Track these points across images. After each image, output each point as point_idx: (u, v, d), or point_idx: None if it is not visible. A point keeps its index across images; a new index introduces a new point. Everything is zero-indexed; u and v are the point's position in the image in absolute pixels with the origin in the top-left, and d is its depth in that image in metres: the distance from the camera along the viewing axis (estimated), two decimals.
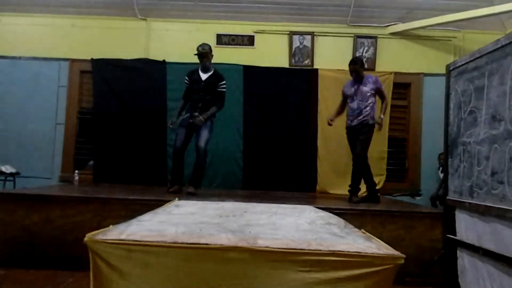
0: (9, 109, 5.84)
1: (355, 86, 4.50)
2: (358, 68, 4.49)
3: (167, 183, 5.73)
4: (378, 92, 4.54)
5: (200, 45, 4.53)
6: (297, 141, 5.83)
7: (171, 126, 4.63)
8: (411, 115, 6.03)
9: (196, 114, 4.46)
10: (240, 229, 1.88)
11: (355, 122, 4.49)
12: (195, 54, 4.52)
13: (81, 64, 5.98)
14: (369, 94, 4.45)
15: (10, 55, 5.99)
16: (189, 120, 4.49)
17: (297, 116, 5.86)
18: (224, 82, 4.56)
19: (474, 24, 5.66)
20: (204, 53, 4.50)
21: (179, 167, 4.56)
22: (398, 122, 6.02)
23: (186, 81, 4.65)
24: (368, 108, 4.45)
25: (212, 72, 4.57)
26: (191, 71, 4.66)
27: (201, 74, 4.57)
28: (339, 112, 4.77)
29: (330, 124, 4.69)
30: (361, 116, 4.44)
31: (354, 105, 4.48)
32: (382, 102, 4.60)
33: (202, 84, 4.51)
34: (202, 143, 4.43)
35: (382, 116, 4.53)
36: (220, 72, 4.63)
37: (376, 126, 4.49)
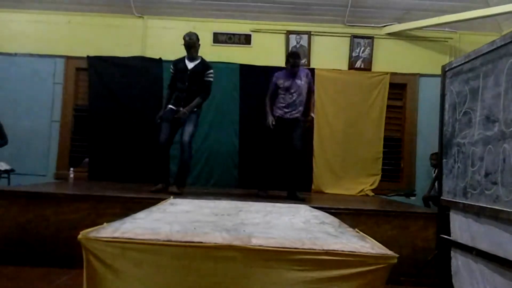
0: (4, 106, 5.81)
1: (291, 79, 4.46)
2: (300, 62, 4.53)
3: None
4: (309, 86, 4.56)
5: (186, 34, 4.33)
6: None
7: (158, 121, 4.44)
8: (407, 115, 6.04)
9: (180, 108, 4.28)
10: (235, 228, 1.88)
11: (288, 115, 4.44)
12: (181, 44, 4.36)
13: (77, 61, 5.95)
14: (304, 88, 4.48)
15: (5, 52, 5.96)
16: (174, 115, 4.30)
17: None
18: (211, 71, 4.35)
19: (470, 25, 5.69)
20: (191, 42, 4.31)
21: (163, 164, 4.41)
22: (393, 122, 6.04)
23: (171, 70, 4.47)
24: (301, 103, 4.47)
25: (199, 60, 4.38)
26: (177, 60, 4.48)
27: (187, 62, 4.37)
28: (271, 107, 4.58)
29: (272, 127, 4.45)
30: (297, 111, 4.44)
31: (290, 98, 4.44)
32: (310, 99, 4.59)
33: (188, 73, 4.32)
34: (186, 137, 4.22)
35: (312, 115, 4.62)
36: (207, 61, 4.45)
37: (306, 124, 4.57)
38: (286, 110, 4.45)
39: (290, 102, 4.43)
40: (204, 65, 4.36)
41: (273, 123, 4.45)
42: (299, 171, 4.51)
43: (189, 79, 4.31)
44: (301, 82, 4.46)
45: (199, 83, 4.31)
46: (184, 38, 4.34)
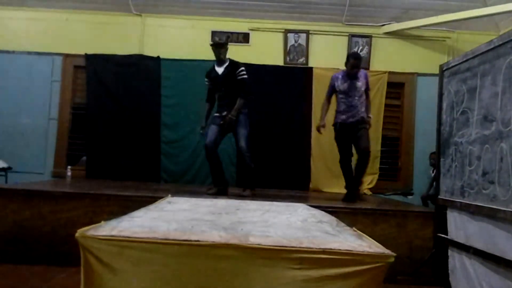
0: (1, 104, 5.80)
1: (349, 81, 4.30)
2: (361, 64, 4.33)
3: (160, 180, 5.76)
4: (367, 87, 4.39)
5: (216, 36, 4.36)
6: (291, 139, 5.84)
7: (201, 132, 4.42)
8: (404, 114, 6.06)
9: (225, 113, 4.22)
10: (232, 227, 1.88)
11: (351, 119, 4.28)
12: (211, 45, 4.33)
13: (75, 59, 5.95)
14: (362, 90, 4.30)
15: (3, 49, 5.94)
16: (220, 122, 4.24)
17: (291, 114, 5.87)
18: (242, 68, 4.26)
19: (468, 24, 5.70)
20: (221, 43, 4.30)
21: (215, 166, 4.31)
22: (391, 121, 6.06)
23: (206, 82, 4.43)
24: (363, 104, 4.30)
25: (227, 63, 4.32)
26: (209, 71, 4.42)
27: (217, 69, 4.33)
28: (327, 110, 4.50)
29: (321, 133, 4.45)
30: (358, 113, 4.27)
31: (350, 101, 4.28)
32: (367, 99, 4.44)
33: (221, 79, 4.27)
34: (242, 143, 4.22)
35: (371, 116, 4.43)
36: (236, 60, 4.38)
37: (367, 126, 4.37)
38: (348, 114, 4.28)
39: (350, 105, 4.26)
40: (233, 65, 4.30)
41: (320, 129, 4.38)
42: (362, 171, 4.34)
43: (224, 84, 4.27)
44: (360, 84, 4.27)
45: (234, 85, 4.24)
46: (213, 39, 4.36)
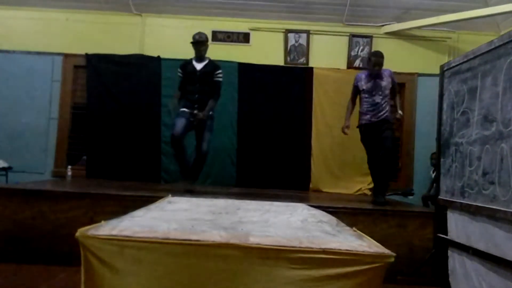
0: (1, 103, 5.80)
1: (373, 81, 4.22)
2: (383, 62, 4.22)
3: (160, 180, 5.76)
4: (393, 85, 4.30)
5: (196, 33, 4.34)
6: (291, 139, 5.84)
7: (171, 108, 4.43)
8: (405, 114, 6.03)
9: (196, 112, 4.23)
10: (232, 226, 1.88)
11: (375, 119, 4.20)
12: (191, 42, 4.34)
13: (75, 59, 5.94)
14: (388, 88, 4.22)
15: (3, 49, 5.93)
16: (190, 119, 4.26)
17: (292, 114, 5.87)
18: (220, 71, 4.33)
19: (469, 25, 5.69)
20: (201, 41, 4.32)
21: (180, 156, 4.35)
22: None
23: (179, 73, 4.43)
24: (387, 103, 4.23)
25: (207, 61, 4.37)
26: (184, 63, 4.44)
27: (195, 64, 4.35)
28: (352, 111, 4.42)
29: (347, 133, 4.37)
30: (383, 112, 4.20)
31: (374, 100, 4.20)
32: (395, 96, 4.37)
33: (198, 75, 4.30)
34: (205, 146, 4.28)
35: (401, 112, 4.33)
36: (215, 61, 4.43)
37: (396, 123, 4.35)
38: (372, 113, 4.20)
39: (374, 104, 4.19)
40: (213, 65, 4.34)
41: (345, 130, 4.32)
42: (388, 172, 4.29)
43: (199, 81, 4.29)
44: (384, 83, 4.20)
45: (209, 84, 4.29)
46: (193, 37, 4.33)
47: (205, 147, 4.29)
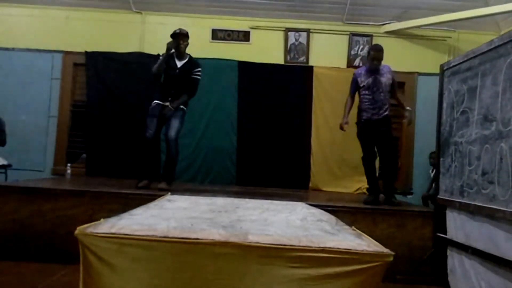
0: (1, 101, 5.79)
1: (372, 76, 4.10)
2: (382, 56, 4.10)
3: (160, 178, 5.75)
4: (393, 82, 4.19)
5: (178, 28, 4.28)
6: (291, 138, 5.83)
7: (154, 68, 4.28)
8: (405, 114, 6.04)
9: (167, 104, 4.21)
10: (232, 225, 1.88)
11: (376, 116, 4.09)
12: (173, 34, 4.26)
13: (75, 57, 5.93)
14: (387, 85, 4.11)
15: (2, 46, 5.93)
16: (161, 112, 4.23)
17: (291, 113, 5.86)
18: (199, 69, 4.31)
19: (469, 24, 5.69)
20: (183, 33, 4.25)
21: (152, 159, 4.36)
22: (391, 121, 6.02)
23: (163, 54, 4.28)
24: (387, 101, 4.13)
25: (187, 59, 4.33)
26: (167, 55, 4.28)
27: (176, 61, 4.31)
28: (351, 108, 4.27)
29: (345, 130, 4.22)
30: (384, 110, 4.10)
31: (374, 97, 4.09)
32: (396, 94, 4.26)
33: (177, 72, 4.26)
34: (172, 133, 4.18)
35: (409, 108, 4.24)
36: (195, 59, 4.40)
37: (405, 121, 4.29)
38: (373, 111, 4.08)
39: (374, 101, 4.07)
40: (192, 63, 4.32)
41: (344, 127, 4.18)
42: (393, 172, 4.20)
43: (178, 78, 4.27)
44: (384, 79, 4.08)
45: (187, 81, 4.28)
46: (174, 31, 4.26)
47: (172, 133, 4.19)
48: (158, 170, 4.41)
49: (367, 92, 4.13)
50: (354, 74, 4.29)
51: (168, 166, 4.34)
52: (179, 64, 4.31)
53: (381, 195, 4.19)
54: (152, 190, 3.92)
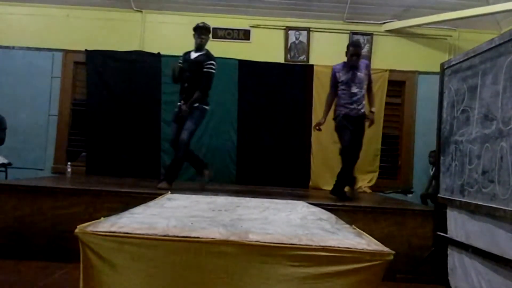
0: (1, 99, 5.78)
1: (350, 71, 4.11)
2: (361, 52, 4.14)
3: (160, 176, 5.75)
4: (369, 79, 4.19)
5: (201, 22, 4.28)
6: (291, 137, 5.83)
7: (172, 70, 4.32)
8: (405, 113, 6.05)
9: (181, 103, 4.20)
10: (232, 224, 1.88)
11: (354, 112, 4.11)
12: (193, 28, 4.25)
13: (75, 55, 5.93)
14: (365, 80, 4.12)
15: (3, 45, 5.93)
16: (178, 114, 4.24)
17: (292, 112, 5.86)
18: (211, 62, 4.20)
19: (469, 23, 5.68)
20: (206, 28, 4.23)
21: (188, 159, 4.34)
22: (391, 119, 6.04)
23: (179, 61, 4.37)
24: (364, 97, 4.13)
25: (203, 52, 4.27)
26: (185, 52, 4.41)
27: (192, 53, 4.30)
28: (331, 105, 4.26)
29: (320, 130, 4.30)
30: (361, 105, 4.10)
31: (353, 91, 4.08)
32: (370, 92, 4.25)
33: (190, 64, 4.24)
34: (184, 135, 4.11)
35: (373, 110, 4.22)
36: (211, 53, 4.31)
37: (367, 122, 4.23)
38: (351, 106, 4.08)
39: (352, 97, 4.07)
40: (206, 56, 4.24)
41: (319, 127, 4.23)
42: (352, 167, 4.23)
43: (190, 69, 4.21)
44: (362, 74, 4.09)
45: (200, 74, 4.18)
46: (197, 24, 4.25)
47: (184, 137, 4.11)
48: (200, 162, 4.44)
49: (344, 87, 4.13)
50: (332, 69, 4.29)
51: (171, 166, 4.32)
52: (193, 55, 4.28)
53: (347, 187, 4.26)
54: (153, 189, 3.91)
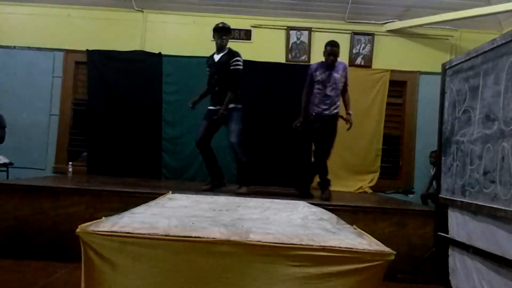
0: (2, 99, 5.79)
1: (327, 72, 4.09)
2: (339, 52, 4.12)
3: (161, 176, 5.77)
4: (345, 81, 4.17)
5: (220, 22, 4.24)
6: (292, 137, 5.82)
7: (190, 106, 4.32)
8: (406, 113, 6.04)
9: (218, 107, 4.14)
10: (233, 223, 1.88)
11: (327, 112, 4.08)
12: (215, 29, 4.22)
13: (76, 55, 5.94)
14: (341, 82, 4.10)
15: (4, 45, 5.93)
16: (211, 117, 4.19)
17: (292, 112, 5.82)
18: (237, 58, 4.13)
19: (471, 23, 5.68)
20: (226, 28, 4.18)
21: (209, 161, 4.32)
22: (393, 119, 6.04)
23: (207, 69, 4.36)
24: (338, 98, 4.11)
25: (226, 51, 4.21)
26: (208, 57, 4.38)
27: (215, 56, 4.26)
28: (307, 104, 4.22)
29: (299, 128, 4.25)
30: (334, 107, 4.09)
31: (327, 92, 4.07)
32: (346, 94, 4.21)
33: (216, 67, 4.19)
34: (232, 138, 4.11)
35: (350, 112, 4.20)
36: (234, 50, 4.25)
37: (347, 124, 4.21)
38: (324, 106, 4.08)
39: (325, 96, 4.06)
40: (230, 54, 4.18)
41: (298, 125, 4.21)
42: (320, 170, 4.27)
43: (217, 72, 4.18)
44: (338, 75, 4.08)
45: (227, 74, 4.13)
46: (217, 24, 4.21)
47: (232, 139, 4.12)
48: (219, 172, 4.41)
49: (320, 87, 4.11)
50: (309, 68, 4.28)
51: (239, 170, 4.35)
52: (216, 58, 4.24)
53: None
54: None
